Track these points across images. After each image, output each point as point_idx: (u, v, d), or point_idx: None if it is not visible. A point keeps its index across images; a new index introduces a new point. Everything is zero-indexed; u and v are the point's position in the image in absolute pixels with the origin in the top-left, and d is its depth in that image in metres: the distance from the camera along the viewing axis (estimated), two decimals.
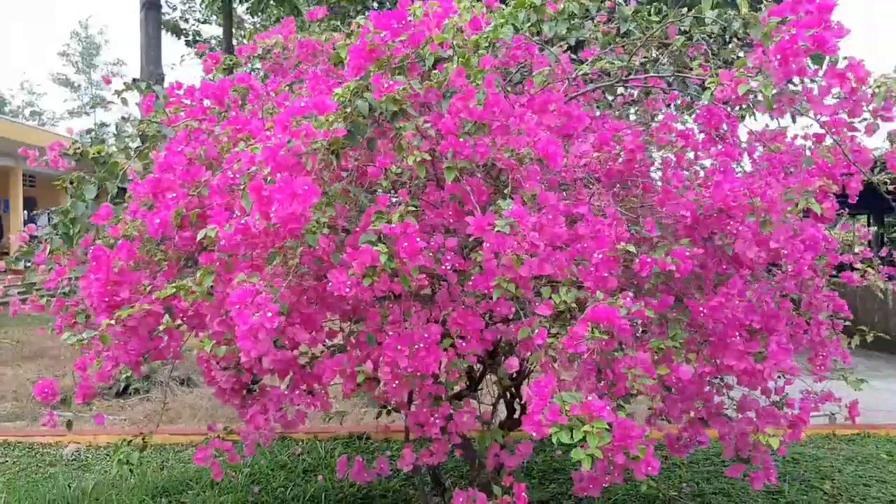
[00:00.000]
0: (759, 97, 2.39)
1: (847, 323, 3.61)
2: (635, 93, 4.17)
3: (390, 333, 2.64)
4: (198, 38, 17.21)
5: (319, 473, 4.92)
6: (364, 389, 2.72)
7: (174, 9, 17.60)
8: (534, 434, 2.16)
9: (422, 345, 2.62)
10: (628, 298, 2.43)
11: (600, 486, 3.05)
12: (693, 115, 3.83)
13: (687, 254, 2.50)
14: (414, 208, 2.49)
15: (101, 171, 3.51)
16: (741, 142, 3.45)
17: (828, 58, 2.41)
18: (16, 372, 8.73)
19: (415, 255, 2.29)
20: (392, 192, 2.61)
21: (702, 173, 3.34)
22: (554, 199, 2.45)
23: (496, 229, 2.23)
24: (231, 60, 3.81)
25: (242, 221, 2.36)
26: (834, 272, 3.72)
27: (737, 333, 2.73)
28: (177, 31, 16.79)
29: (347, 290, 2.25)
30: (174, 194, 2.57)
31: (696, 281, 3.04)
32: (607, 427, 2.11)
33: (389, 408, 3.53)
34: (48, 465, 5.28)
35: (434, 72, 2.53)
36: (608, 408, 2.14)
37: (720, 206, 2.69)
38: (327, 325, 3.35)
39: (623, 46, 3.58)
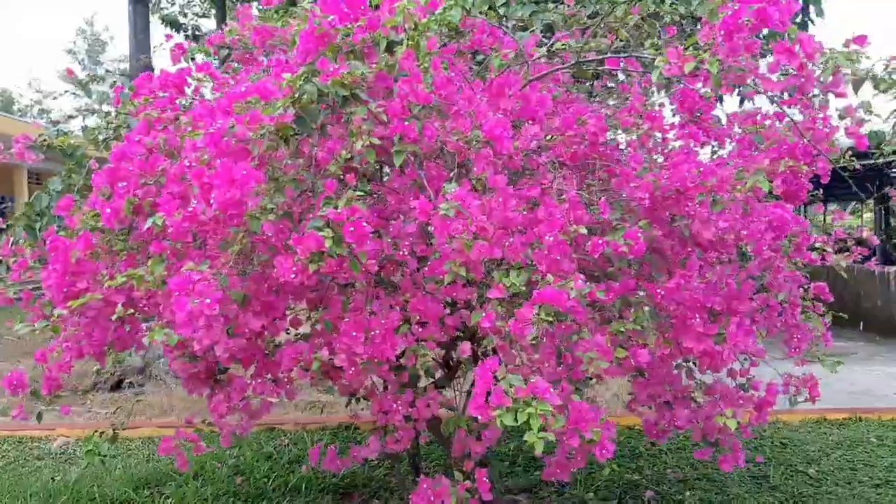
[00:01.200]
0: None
1: (828, 309, 3.60)
2: (622, 76, 4.14)
3: (346, 320, 2.63)
4: (197, 32, 17.20)
5: (304, 464, 4.92)
6: (322, 378, 2.71)
7: (173, 3, 17.57)
8: (479, 417, 2.15)
9: (378, 331, 2.61)
10: (580, 281, 2.42)
11: (568, 471, 3.04)
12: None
13: (640, 235, 2.48)
14: (363, 193, 2.48)
15: (69, 163, 3.52)
16: (719, 123, 3.43)
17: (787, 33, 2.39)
18: (15, 367, 8.76)
19: (362, 241, 2.28)
20: (341, 178, 2.58)
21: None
22: (503, 183, 2.43)
23: (441, 213, 2.22)
24: (200, 50, 3.80)
25: (190, 209, 2.35)
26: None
27: (696, 316, 2.70)
28: (176, 25, 16.78)
29: (293, 276, 2.24)
30: (124, 184, 2.56)
31: (665, 264, 3.02)
32: (552, 410, 2.10)
33: (359, 396, 3.52)
34: (36, 459, 5.31)
35: (383, 55, 2.51)
36: (552, 390, 2.12)
37: (677, 187, 2.66)
38: (301, 313, 3.36)
39: (590, 28, 3.55)
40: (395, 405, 2.89)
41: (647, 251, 3.11)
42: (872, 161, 3.37)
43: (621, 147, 3.39)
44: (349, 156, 2.45)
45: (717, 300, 2.78)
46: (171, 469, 4.86)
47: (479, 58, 3.78)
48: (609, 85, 4.34)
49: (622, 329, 2.73)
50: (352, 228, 2.25)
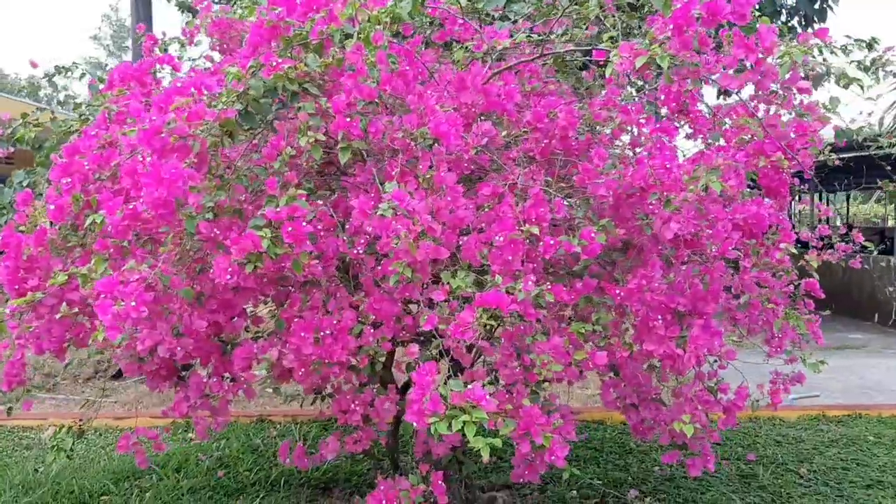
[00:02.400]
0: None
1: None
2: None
3: (295, 320, 2.57)
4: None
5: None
6: (273, 379, 2.67)
7: None
8: (415, 424, 2.09)
9: (328, 331, 2.55)
10: (530, 282, 2.35)
11: (536, 472, 2.98)
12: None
13: (594, 236, 2.40)
14: (308, 191, 2.41)
15: (39, 156, 3.48)
16: (706, 115, 3.33)
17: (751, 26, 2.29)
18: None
19: (301, 241, 2.22)
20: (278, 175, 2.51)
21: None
22: (452, 180, 2.35)
23: (378, 213, 2.15)
24: (175, 41, 3.74)
25: (130, 206, 2.30)
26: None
27: (658, 317, 2.62)
28: (188, 9, 16.74)
29: (228, 276, 2.18)
30: (69, 179, 2.51)
31: (639, 263, 2.93)
32: (486, 416, 2.03)
33: (325, 393, 3.47)
34: (24, 449, 5.32)
35: (333, 49, 2.44)
36: (488, 395, 2.05)
37: (640, 184, 2.57)
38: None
39: (568, 19, 3.46)
40: (353, 405, 2.83)
41: (621, 250, 3.05)
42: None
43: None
44: (293, 152, 2.38)
45: (683, 301, 2.70)
46: (155, 461, 4.85)
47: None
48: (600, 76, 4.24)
49: (582, 331, 2.66)
50: (290, 228, 2.19)
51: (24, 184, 3.31)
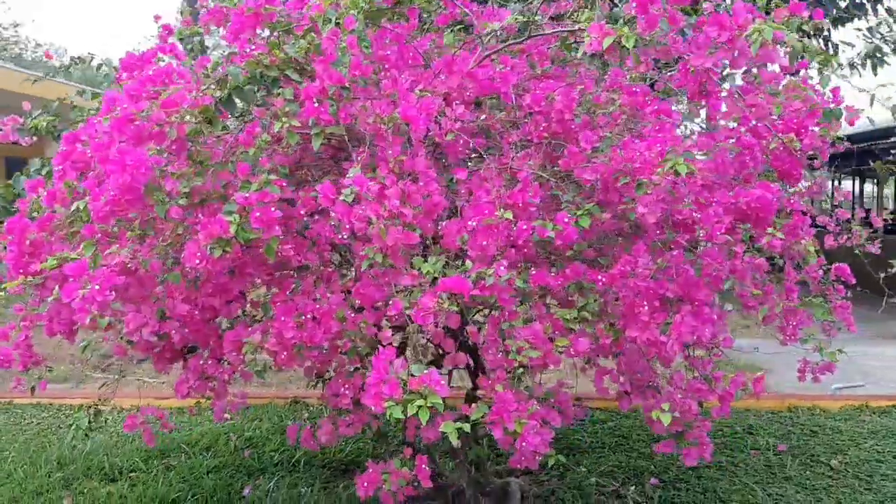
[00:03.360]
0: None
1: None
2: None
3: (278, 304, 2.61)
4: None
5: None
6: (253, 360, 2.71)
7: None
8: (373, 408, 2.11)
9: (309, 315, 2.58)
10: (502, 267, 2.33)
11: (534, 459, 2.97)
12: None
13: (566, 220, 2.36)
14: (284, 175, 2.44)
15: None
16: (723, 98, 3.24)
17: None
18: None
19: (270, 226, 2.24)
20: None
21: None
22: (423, 166, 2.35)
23: (340, 198, 2.16)
24: (189, 31, 3.81)
25: (112, 193, 2.36)
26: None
27: (645, 303, 2.57)
28: None
29: (197, 261, 2.22)
30: (60, 167, 2.59)
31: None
32: (440, 401, 2.03)
33: (324, 378, 3.50)
34: (67, 427, 5.53)
35: (310, 35, 2.46)
36: (442, 381, 2.05)
37: (622, 168, 2.52)
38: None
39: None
40: (343, 389, 2.86)
41: (618, 235, 3.00)
42: None
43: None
44: (269, 138, 2.41)
45: (672, 287, 2.64)
46: (186, 440, 4.99)
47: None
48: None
49: (567, 317, 2.63)
50: (258, 213, 2.21)
51: (43, 172, 3.42)
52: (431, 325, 2.17)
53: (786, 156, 3.05)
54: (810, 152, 3.14)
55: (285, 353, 2.61)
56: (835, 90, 3.45)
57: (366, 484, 2.65)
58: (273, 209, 2.24)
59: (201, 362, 2.94)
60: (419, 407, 2.02)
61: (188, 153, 2.45)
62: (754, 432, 5.13)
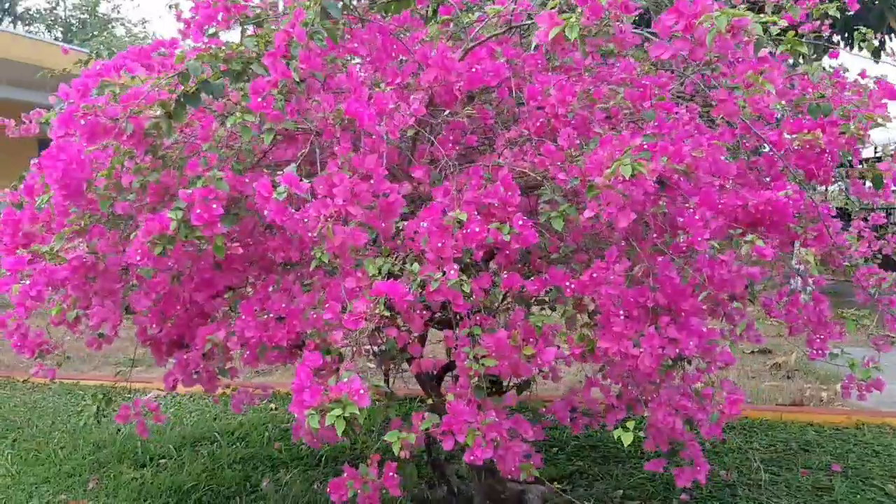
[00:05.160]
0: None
1: None
2: None
3: (242, 302, 2.57)
4: None
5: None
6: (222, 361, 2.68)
7: None
8: (296, 415, 2.03)
9: (270, 315, 2.54)
10: (452, 271, 2.21)
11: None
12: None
13: (520, 222, 2.22)
14: (239, 172, 2.39)
15: None
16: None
17: None
18: None
19: (212, 223, 2.20)
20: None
21: None
22: (371, 164, 2.25)
23: (277, 197, 2.09)
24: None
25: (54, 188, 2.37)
26: None
27: (621, 312, 2.40)
28: None
29: (137, 258, 2.20)
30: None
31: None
32: (357, 410, 1.93)
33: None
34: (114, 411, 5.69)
35: (266, 28, 2.40)
36: (363, 391, 1.95)
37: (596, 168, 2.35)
38: None
39: None
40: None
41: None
42: None
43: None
44: (225, 133, 2.37)
45: (653, 296, 2.45)
46: (225, 428, 5.07)
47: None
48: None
49: (539, 324, 2.48)
50: (199, 210, 2.17)
51: None
52: (340, 334, 2.09)
53: (811, 155, 2.82)
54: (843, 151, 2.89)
55: (248, 352, 2.57)
56: (880, 82, 3.17)
57: (339, 489, 2.58)
58: (215, 206, 2.19)
59: (185, 356, 2.95)
60: (336, 417, 1.93)
61: (152, 148, 2.43)
62: (811, 449, 4.79)
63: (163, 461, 4.51)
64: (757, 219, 2.67)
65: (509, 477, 4.14)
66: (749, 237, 2.17)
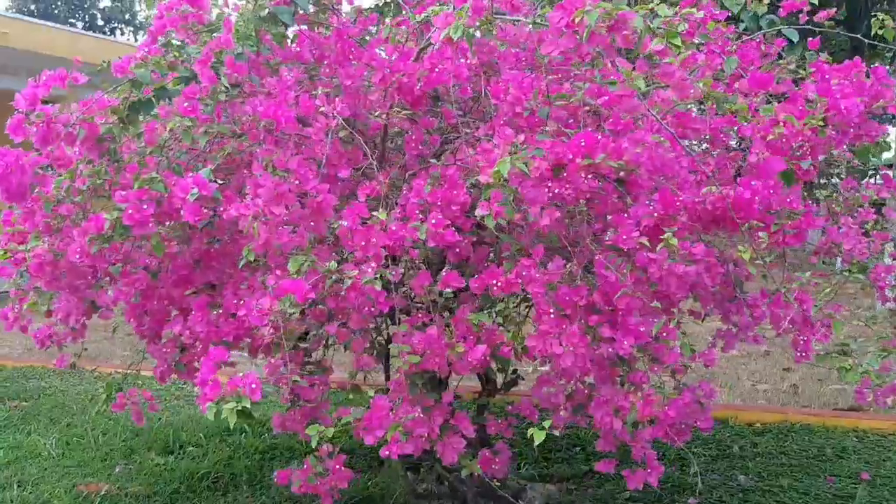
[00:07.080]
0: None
1: None
2: None
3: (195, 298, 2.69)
4: None
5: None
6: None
7: None
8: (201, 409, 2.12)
9: (220, 310, 2.64)
10: (370, 269, 2.26)
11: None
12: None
13: (434, 221, 2.24)
14: (179, 173, 2.49)
15: None
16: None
17: None
18: None
19: (142, 224, 2.31)
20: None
21: None
22: (295, 164, 2.31)
23: (189, 198, 2.18)
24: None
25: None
26: None
27: (551, 311, 2.38)
28: None
29: (77, 257, 2.34)
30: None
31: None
32: (250, 404, 2.01)
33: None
34: (174, 399, 5.98)
35: (208, 36, 2.50)
36: (256, 383, 2.03)
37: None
38: None
39: None
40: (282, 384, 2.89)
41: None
42: None
43: None
44: (168, 136, 2.48)
45: (589, 295, 2.42)
46: (260, 418, 5.22)
47: None
48: None
49: (476, 321, 2.50)
50: (130, 211, 2.29)
51: None
52: (269, 328, 2.15)
53: (786, 148, 2.73)
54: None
55: (200, 346, 2.69)
56: (875, 70, 3.04)
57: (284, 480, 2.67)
58: (146, 207, 2.30)
59: (164, 350, 3.09)
60: (230, 410, 2.01)
61: (108, 152, 2.58)
62: (846, 455, 4.58)
63: (190, 449, 4.71)
64: (717, 216, 2.60)
65: (509, 477, 4.17)
66: (666, 234, 2.11)
